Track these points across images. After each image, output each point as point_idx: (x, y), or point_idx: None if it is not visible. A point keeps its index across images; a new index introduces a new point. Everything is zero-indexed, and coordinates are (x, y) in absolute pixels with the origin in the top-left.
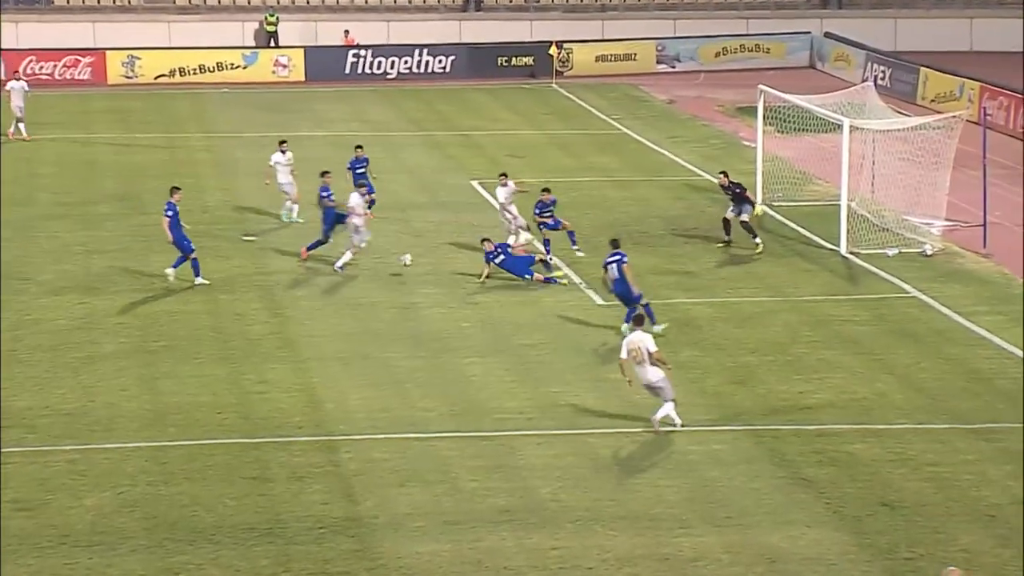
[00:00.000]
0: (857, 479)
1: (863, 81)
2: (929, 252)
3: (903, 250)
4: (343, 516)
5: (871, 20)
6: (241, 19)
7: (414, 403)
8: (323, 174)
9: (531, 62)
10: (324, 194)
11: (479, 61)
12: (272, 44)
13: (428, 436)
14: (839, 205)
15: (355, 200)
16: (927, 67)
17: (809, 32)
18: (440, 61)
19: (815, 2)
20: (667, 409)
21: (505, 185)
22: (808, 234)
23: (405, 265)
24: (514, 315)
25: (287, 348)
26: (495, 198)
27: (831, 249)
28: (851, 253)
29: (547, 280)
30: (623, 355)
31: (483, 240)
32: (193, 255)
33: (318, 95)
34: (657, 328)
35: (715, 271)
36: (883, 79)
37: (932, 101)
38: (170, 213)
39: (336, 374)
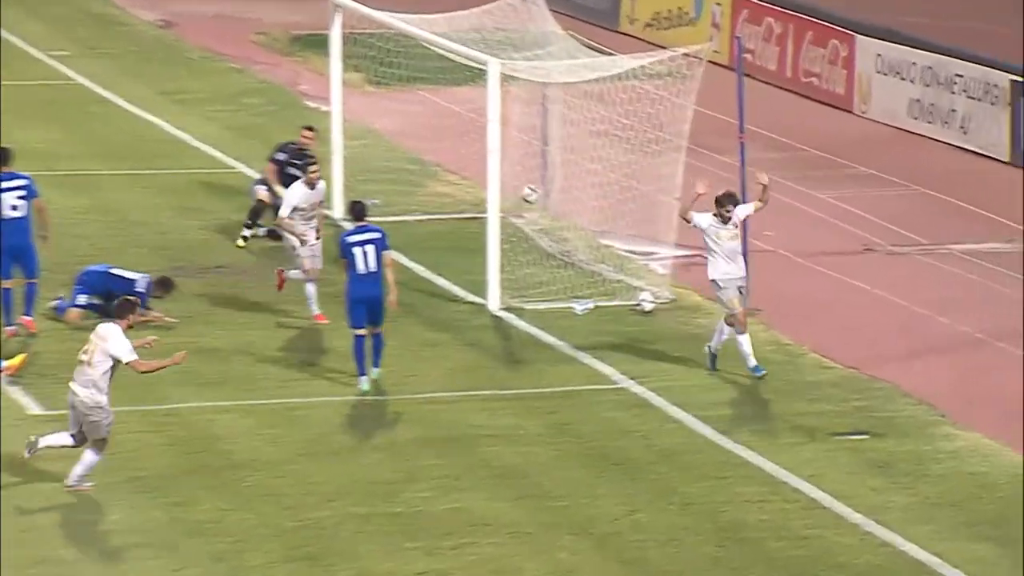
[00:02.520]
0: None
1: None
2: (649, 307)
3: (602, 303)
4: None
5: None
6: None
7: None
8: None
9: None
10: None
11: None
12: None
13: None
14: (485, 221)
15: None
16: None
17: None
18: None
19: None
20: (89, 462)
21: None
22: (431, 275)
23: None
24: None
25: None
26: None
27: (473, 303)
28: (508, 310)
29: None
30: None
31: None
32: None
33: None
34: (373, 372)
35: (257, 347)
36: None
37: (648, 26)
38: None
39: None
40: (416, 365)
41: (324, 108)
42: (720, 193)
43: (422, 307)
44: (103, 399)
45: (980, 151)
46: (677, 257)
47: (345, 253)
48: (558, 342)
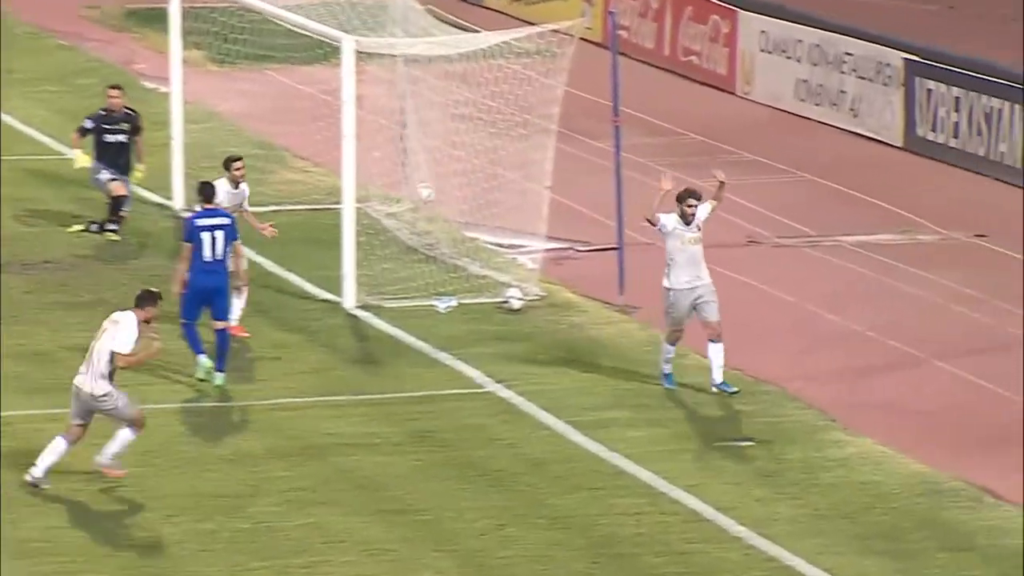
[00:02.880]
0: None
1: None
2: (517, 304)
3: (467, 300)
4: None
5: None
6: None
7: None
8: None
9: None
10: None
11: None
12: None
13: None
14: (340, 211)
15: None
16: None
17: None
18: None
19: None
20: (124, 439)
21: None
22: (281, 271)
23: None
24: None
25: None
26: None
27: (326, 301)
28: (364, 308)
29: None
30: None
31: None
32: None
33: None
34: (218, 377)
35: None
36: None
37: (514, 0)
38: None
39: None
40: (265, 368)
41: (163, 89)
42: (680, 190)
43: (271, 306)
44: (108, 387)
45: (871, 135)
46: (547, 250)
47: (191, 237)
48: (419, 343)
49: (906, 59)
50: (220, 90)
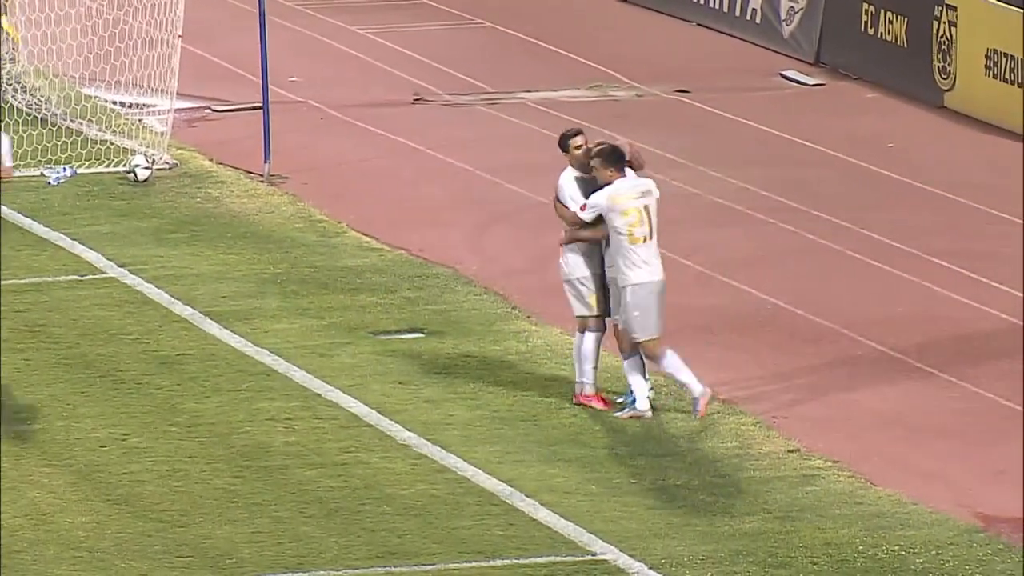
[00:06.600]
0: None
1: None
2: (143, 173)
3: (84, 170)
4: None
5: None
6: None
7: None
8: None
9: None
10: None
11: None
12: None
13: None
14: None
15: None
16: None
17: None
18: None
19: None
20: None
21: None
22: None
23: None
24: None
25: None
26: None
27: None
28: None
29: None
30: None
31: None
32: None
33: None
34: None
35: None
36: None
37: None
38: None
39: None
40: None
41: None
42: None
43: None
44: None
45: None
46: (179, 111)
47: None
48: (26, 220)
49: None
50: None
